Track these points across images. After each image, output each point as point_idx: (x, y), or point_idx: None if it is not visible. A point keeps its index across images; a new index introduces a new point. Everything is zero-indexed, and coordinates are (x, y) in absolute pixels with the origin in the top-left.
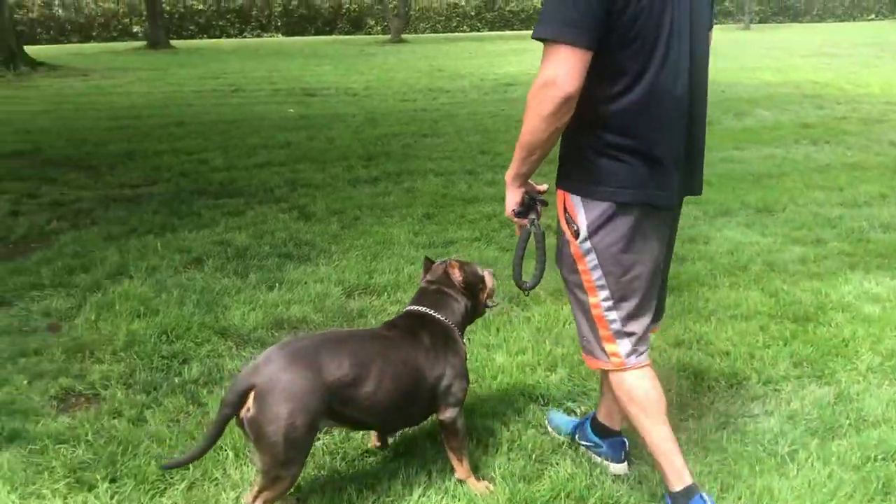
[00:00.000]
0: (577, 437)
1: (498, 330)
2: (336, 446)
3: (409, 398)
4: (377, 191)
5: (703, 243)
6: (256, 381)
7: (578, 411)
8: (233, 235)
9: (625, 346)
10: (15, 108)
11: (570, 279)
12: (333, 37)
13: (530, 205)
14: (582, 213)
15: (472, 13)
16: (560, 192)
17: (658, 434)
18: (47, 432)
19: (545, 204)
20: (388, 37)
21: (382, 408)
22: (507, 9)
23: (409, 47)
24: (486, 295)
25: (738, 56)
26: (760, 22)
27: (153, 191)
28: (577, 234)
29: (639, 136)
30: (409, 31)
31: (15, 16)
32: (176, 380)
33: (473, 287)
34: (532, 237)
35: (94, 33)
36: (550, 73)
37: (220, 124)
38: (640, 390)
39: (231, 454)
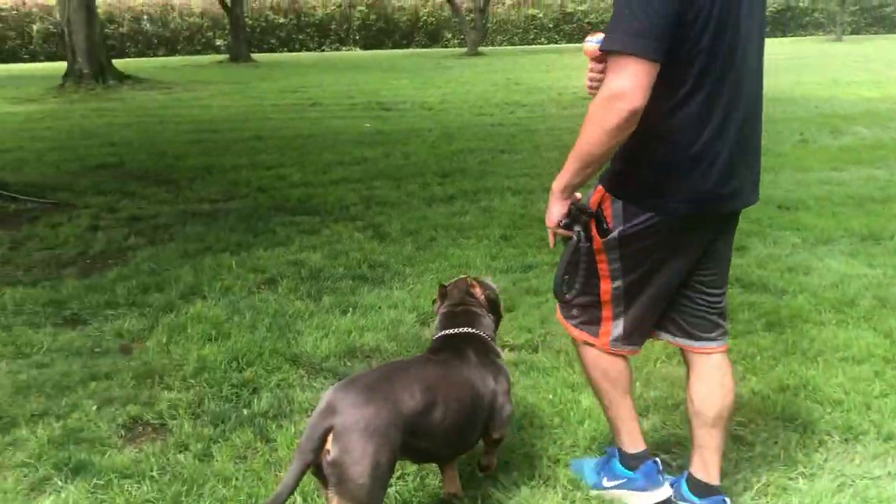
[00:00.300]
0: (603, 482)
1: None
2: (410, 494)
3: (470, 420)
4: (453, 210)
5: (803, 274)
6: (334, 422)
7: (673, 465)
8: (307, 255)
9: (618, 330)
10: (102, 121)
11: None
12: (410, 50)
13: (576, 216)
14: (620, 217)
15: (550, 25)
16: (600, 189)
17: (626, 405)
18: (112, 466)
19: (593, 216)
20: (465, 49)
21: (449, 433)
22: (586, 20)
23: (485, 60)
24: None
25: (831, 69)
26: (853, 33)
27: (230, 206)
28: (604, 233)
29: (694, 147)
30: (486, 44)
31: (106, 30)
32: (245, 412)
33: (495, 302)
34: (583, 250)
35: (179, 47)
36: (618, 86)
37: (298, 139)
38: (616, 369)
39: (299, 499)
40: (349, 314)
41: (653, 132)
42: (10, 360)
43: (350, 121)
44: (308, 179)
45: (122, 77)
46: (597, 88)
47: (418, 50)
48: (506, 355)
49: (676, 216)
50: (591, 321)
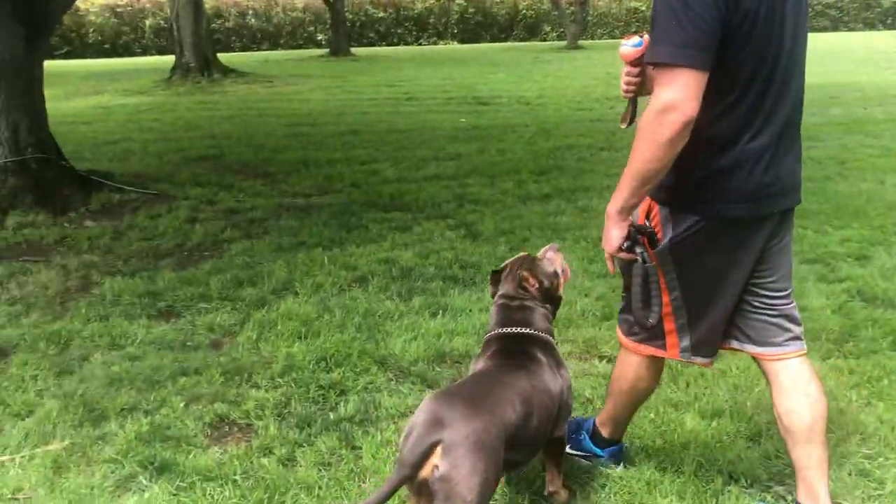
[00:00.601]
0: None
1: (687, 384)
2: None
3: (549, 424)
4: (549, 209)
5: None
6: (442, 436)
7: (788, 498)
8: (399, 253)
9: (685, 342)
10: (205, 114)
11: (640, 275)
12: (508, 43)
13: (635, 237)
14: (669, 225)
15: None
16: (647, 199)
17: (630, 413)
18: (196, 467)
19: (653, 234)
20: (565, 43)
21: (537, 441)
22: None
23: (585, 54)
24: (564, 282)
25: None
26: None
27: (324, 201)
28: (654, 244)
29: (740, 149)
30: (586, 37)
31: (213, 25)
32: (331, 415)
33: (551, 289)
34: (638, 270)
35: (281, 41)
36: (669, 97)
37: (393, 133)
38: (648, 388)
39: None
40: (439, 316)
41: (698, 137)
42: (105, 350)
43: (445, 115)
44: (401, 175)
45: (225, 71)
46: (632, 93)
47: (516, 44)
48: (602, 366)
49: (724, 218)
50: (656, 336)
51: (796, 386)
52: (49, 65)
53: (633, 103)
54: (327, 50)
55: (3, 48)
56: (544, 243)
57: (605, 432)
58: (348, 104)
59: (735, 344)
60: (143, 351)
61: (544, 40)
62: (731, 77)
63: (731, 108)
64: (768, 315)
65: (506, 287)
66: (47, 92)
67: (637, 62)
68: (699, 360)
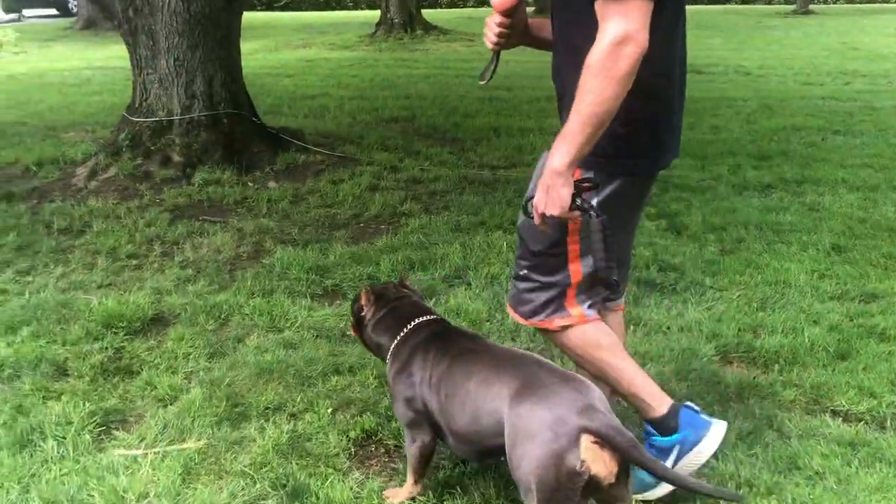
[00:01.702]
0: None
1: None
2: None
3: None
4: (769, 204)
5: None
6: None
7: None
8: None
9: (585, 302)
10: (403, 72)
11: (547, 252)
12: (727, 6)
13: (578, 193)
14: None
15: None
16: None
17: (631, 367)
18: (331, 499)
19: (596, 186)
20: (793, 7)
21: None
22: None
23: (816, 20)
24: None
25: None
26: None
27: (511, 174)
28: (581, 209)
29: (662, 101)
30: (819, 1)
31: None
32: None
33: None
34: (596, 226)
35: None
36: (624, 28)
37: None
38: (604, 334)
39: None
40: (630, 331)
41: (634, 85)
42: (262, 332)
43: None
44: None
45: (428, 27)
46: (500, 46)
47: (736, 6)
48: (836, 426)
49: (647, 175)
50: (559, 308)
51: (620, 333)
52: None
53: (497, 58)
54: (534, 7)
55: (203, 1)
56: (763, 248)
57: (651, 413)
58: (549, 67)
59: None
60: (300, 337)
61: (769, 3)
62: (660, 18)
63: (662, 51)
64: (627, 269)
65: (387, 296)
66: (259, 43)
67: (510, 12)
68: (595, 312)
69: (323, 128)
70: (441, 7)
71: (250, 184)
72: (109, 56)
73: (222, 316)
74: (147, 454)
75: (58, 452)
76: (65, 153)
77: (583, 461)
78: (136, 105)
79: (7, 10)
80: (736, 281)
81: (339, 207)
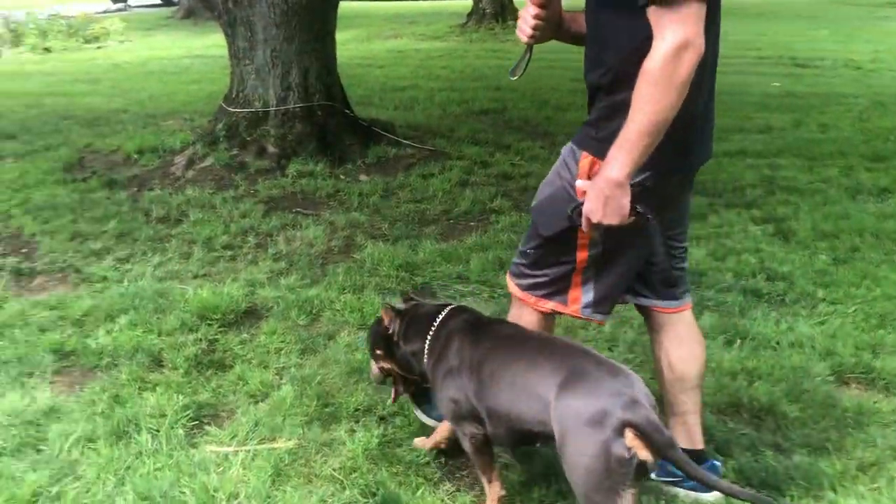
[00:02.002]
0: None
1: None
2: None
3: None
4: (886, 210)
5: None
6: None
7: None
8: (689, 249)
9: (588, 297)
10: (494, 62)
11: (557, 238)
12: None
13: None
14: None
15: None
16: (587, 157)
17: None
18: None
19: (646, 189)
20: None
21: None
22: None
23: None
24: None
25: None
26: None
27: None
28: (638, 215)
29: (697, 99)
30: None
31: None
32: None
33: None
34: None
35: None
36: (683, 34)
37: None
38: (548, 328)
39: None
40: (735, 346)
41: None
42: (352, 329)
43: (754, 78)
44: None
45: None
46: (534, 38)
47: None
48: None
49: (672, 174)
50: (559, 291)
51: (691, 335)
52: (357, 6)
53: (530, 51)
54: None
55: None
56: (881, 258)
57: None
58: None
59: (636, 299)
60: None
61: None
62: (709, 13)
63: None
64: (674, 267)
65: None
66: (351, 33)
67: (545, 3)
68: (597, 317)
69: (413, 120)
70: None
71: (342, 176)
72: (208, 45)
73: (314, 311)
74: (238, 452)
75: (152, 446)
76: (164, 141)
77: (629, 448)
78: (233, 95)
79: (115, 0)
80: (851, 294)
81: (429, 203)
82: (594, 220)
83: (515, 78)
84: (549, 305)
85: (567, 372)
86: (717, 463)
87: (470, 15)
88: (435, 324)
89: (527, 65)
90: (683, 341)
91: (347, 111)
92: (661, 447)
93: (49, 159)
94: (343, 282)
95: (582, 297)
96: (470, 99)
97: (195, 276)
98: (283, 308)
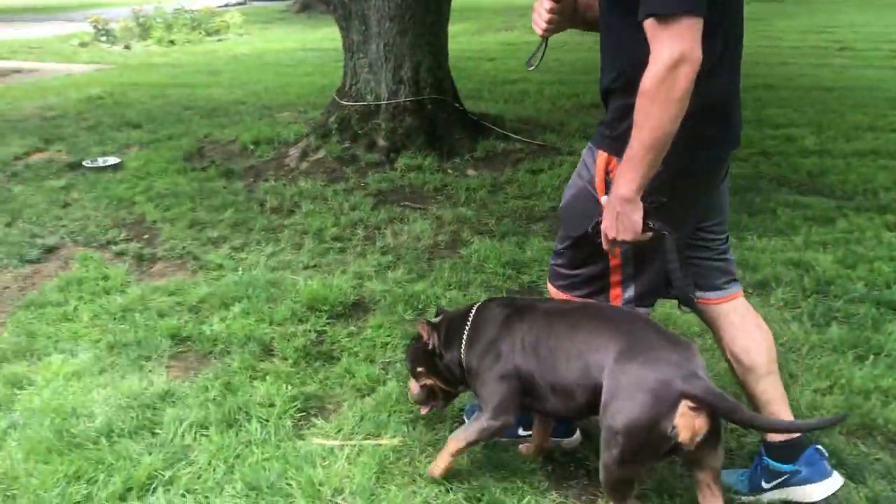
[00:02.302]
0: (762, 483)
1: None
2: None
3: None
4: None
5: None
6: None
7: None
8: (815, 256)
9: (629, 292)
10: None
11: (583, 238)
12: None
13: (646, 215)
14: None
15: None
16: (602, 155)
17: None
18: None
19: (662, 203)
20: None
21: None
22: None
23: None
24: None
25: None
26: None
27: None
28: (653, 230)
29: (713, 92)
30: None
31: None
32: None
33: None
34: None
35: None
36: (679, 49)
37: (816, 91)
38: None
39: None
40: (867, 363)
41: None
42: None
43: (889, 73)
44: (825, 146)
45: None
46: (550, 30)
47: None
48: None
49: (697, 166)
50: (600, 290)
51: (747, 322)
52: None
53: (546, 43)
54: None
55: None
56: None
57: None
58: (765, 52)
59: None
60: None
61: None
62: (711, 15)
63: (708, 47)
64: (713, 258)
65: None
66: (462, 26)
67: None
68: (640, 310)
69: (522, 114)
70: None
71: (450, 171)
72: (321, 38)
73: (419, 306)
74: (344, 447)
75: (261, 435)
76: (279, 133)
77: (674, 426)
78: (346, 88)
79: None
80: None
81: (538, 199)
82: (610, 237)
83: (532, 69)
84: None
85: (627, 340)
86: (819, 447)
87: None
88: (469, 319)
89: (542, 56)
90: (739, 331)
91: (457, 105)
92: (726, 413)
93: (171, 148)
94: (449, 277)
95: (623, 293)
96: (581, 93)
97: (306, 267)
98: (389, 302)
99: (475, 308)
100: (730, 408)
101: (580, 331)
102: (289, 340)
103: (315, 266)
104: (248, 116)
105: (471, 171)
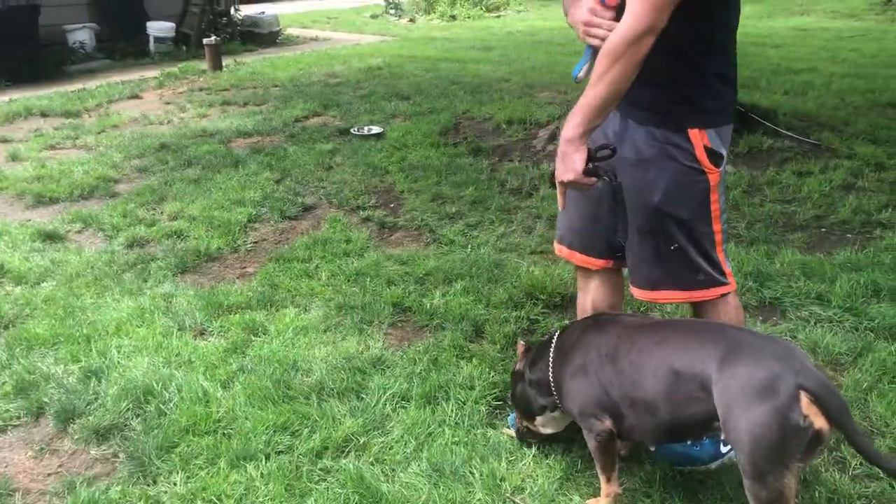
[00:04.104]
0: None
1: None
2: None
3: None
4: None
5: None
6: None
7: None
8: None
9: (729, 263)
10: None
11: (695, 216)
12: None
13: (597, 157)
14: (721, 144)
15: None
16: (695, 133)
17: None
18: None
19: (614, 152)
20: None
21: None
22: None
23: None
24: None
25: None
26: None
27: None
28: (718, 165)
29: (733, 56)
30: None
31: None
32: None
33: None
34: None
35: None
36: (652, 21)
37: None
38: (740, 307)
39: None
40: None
41: (717, 49)
42: None
43: None
44: None
45: None
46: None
47: None
48: None
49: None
50: (717, 271)
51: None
52: None
53: (596, 52)
54: None
55: None
56: None
57: None
58: None
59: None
60: None
61: None
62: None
63: (728, 17)
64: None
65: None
66: (751, 8)
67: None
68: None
69: (801, 108)
70: None
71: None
72: None
73: (640, 308)
74: (532, 444)
75: (455, 417)
76: (533, 114)
77: (805, 415)
78: None
79: None
80: None
81: (800, 205)
82: (557, 180)
83: (580, 81)
84: (719, 290)
85: (726, 344)
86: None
87: None
88: (554, 340)
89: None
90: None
91: None
92: (835, 413)
93: (430, 122)
94: None
95: (730, 267)
96: (878, 89)
97: (532, 252)
98: None
99: (558, 332)
100: (841, 408)
101: (666, 343)
102: (501, 325)
103: (541, 252)
104: (509, 94)
105: (728, 167)
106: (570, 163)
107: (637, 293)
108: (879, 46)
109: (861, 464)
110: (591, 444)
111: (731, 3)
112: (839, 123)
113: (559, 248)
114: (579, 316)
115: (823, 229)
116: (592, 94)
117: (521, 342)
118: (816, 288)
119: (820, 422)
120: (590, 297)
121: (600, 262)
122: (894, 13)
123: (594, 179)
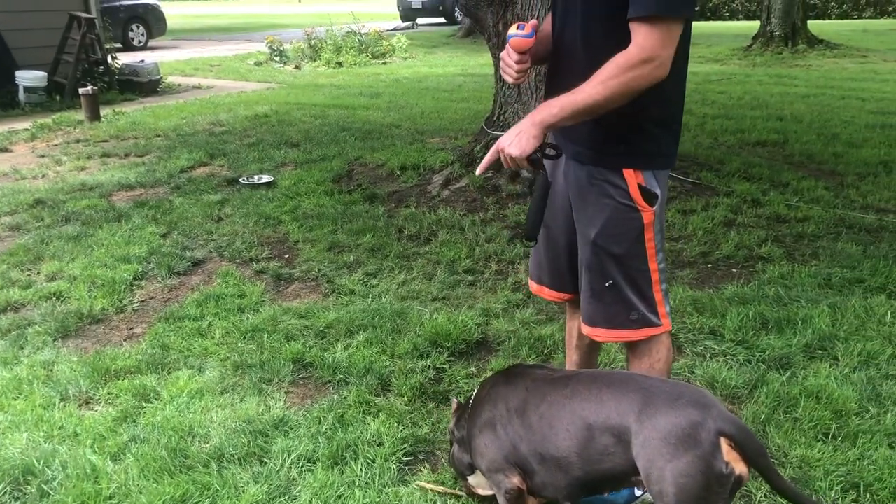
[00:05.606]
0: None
1: None
2: None
3: None
4: None
5: None
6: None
7: None
8: None
9: (668, 304)
10: (778, 90)
11: (630, 253)
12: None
13: (541, 151)
14: (657, 185)
15: None
16: (630, 172)
17: None
18: None
19: (559, 155)
20: None
21: None
22: None
23: None
24: None
25: None
26: None
27: None
28: (652, 204)
29: (679, 103)
30: None
31: None
32: None
33: None
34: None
35: (891, 8)
36: (658, 52)
37: None
38: (671, 349)
39: None
40: None
41: (661, 94)
42: None
43: None
44: None
45: (813, 41)
46: (521, 79)
47: None
48: None
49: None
50: (650, 311)
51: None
52: None
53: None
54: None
55: None
56: None
57: None
58: None
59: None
60: None
61: None
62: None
63: (679, 62)
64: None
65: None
66: None
67: (528, 51)
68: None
69: (680, 149)
70: (832, 18)
71: None
72: (483, 63)
73: (545, 351)
74: (447, 497)
75: (365, 477)
76: (426, 160)
77: (727, 462)
78: (494, 117)
79: (404, 19)
80: None
81: (686, 242)
82: (500, 147)
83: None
84: (650, 331)
85: (641, 395)
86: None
87: (756, 37)
88: (473, 396)
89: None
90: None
91: None
92: (754, 456)
93: (322, 169)
94: None
95: (667, 308)
96: (746, 128)
97: (434, 299)
98: (514, 343)
99: (478, 388)
100: (758, 451)
101: (576, 397)
102: (407, 376)
103: (444, 298)
104: (401, 140)
105: None
106: (523, 142)
107: (583, 329)
108: (744, 89)
109: (766, 495)
110: (501, 501)
111: (685, 50)
112: (715, 163)
113: (531, 284)
114: (566, 342)
115: (710, 265)
116: (581, 98)
117: (454, 398)
118: (709, 323)
119: (740, 467)
120: (574, 323)
121: (566, 296)
122: (754, 58)
123: (531, 168)
